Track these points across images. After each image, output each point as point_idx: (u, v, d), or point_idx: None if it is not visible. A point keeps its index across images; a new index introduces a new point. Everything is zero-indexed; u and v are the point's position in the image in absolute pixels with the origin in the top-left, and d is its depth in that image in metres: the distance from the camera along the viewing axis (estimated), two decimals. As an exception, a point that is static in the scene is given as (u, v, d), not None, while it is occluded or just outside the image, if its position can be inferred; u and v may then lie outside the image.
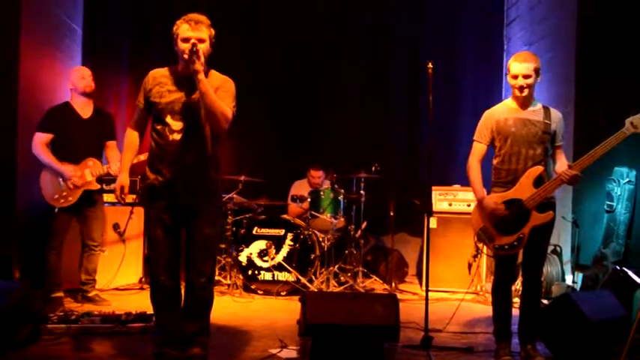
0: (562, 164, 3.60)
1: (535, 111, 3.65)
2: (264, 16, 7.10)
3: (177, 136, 3.22)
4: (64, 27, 6.04)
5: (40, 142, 4.77)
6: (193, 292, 3.32)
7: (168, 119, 3.23)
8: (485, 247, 3.73)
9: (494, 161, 3.70)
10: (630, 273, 4.20)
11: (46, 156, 4.75)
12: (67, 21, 6.09)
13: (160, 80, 3.29)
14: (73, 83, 4.94)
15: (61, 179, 4.77)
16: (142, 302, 4.70)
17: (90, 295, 4.94)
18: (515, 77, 3.58)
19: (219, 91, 3.24)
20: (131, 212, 5.63)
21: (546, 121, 3.60)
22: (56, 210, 4.77)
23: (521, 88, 3.57)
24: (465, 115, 7.06)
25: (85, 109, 4.93)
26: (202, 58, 3.10)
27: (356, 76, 7.17)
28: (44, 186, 4.78)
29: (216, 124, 3.17)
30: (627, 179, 4.76)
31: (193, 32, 3.18)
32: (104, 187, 5.16)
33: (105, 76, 6.41)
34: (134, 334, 3.94)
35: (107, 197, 5.45)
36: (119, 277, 5.58)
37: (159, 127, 3.26)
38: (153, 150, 3.31)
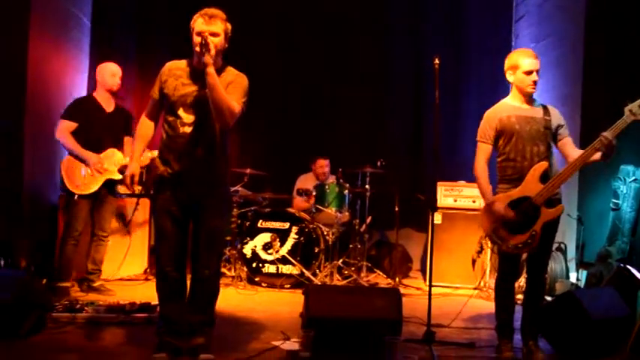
0: (577, 152, 3.54)
1: (535, 108, 3.64)
2: (268, 10, 7.09)
3: (187, 129, 3.24)
4: (72, 19, 6.06)
5: (66, 129, 4.82)
6: (199, 284, 3.35)
7: (181, 112, 3.24)
8: (491, 244, 3.70)
9: (499, 159, 3.67)
10: (634, 271, 4.20)
11: (70, 143, 4.81)
12: (76, 13, 6.11)
13: (175, 72, 3.30)
14: (102, 78, 4.99)
15: (84, 167, 4.82)
16: (146, 293, 4.74)
17: (95, 284, 4.98)
18: (530, 73, 3.57)
19: (231, 86, 3.25)
20: (137, 203, 5.67)
21: (546, 117, 3.59)
22: (76, 197, 4.80)
23: (534, 84, 3.57)
24: (470, 111, 7.04)
25: (108, 103, 5.00)
26: (213, 51, 3.11)
27: (362, 72, 7.17)
28: (67, 173, 4.81)
29: (222, 118, 3.18)
30: (633, 177, 4.75)
31: (207, 26, 3.19)
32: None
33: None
34: (138, 324, 3.97)
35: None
36: (124, 268, 5.62)
37: (171, 119, 3.28)
38: (163, 141, 3.33)
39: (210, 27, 3.20)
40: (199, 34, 3.18)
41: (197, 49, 3.13)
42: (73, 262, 4.90)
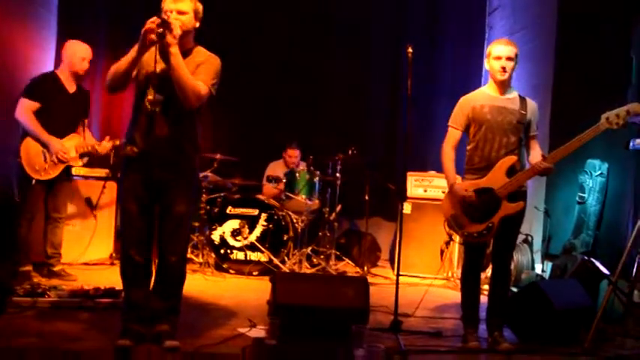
0: (536, 154, 3.62)
1: (511, 99, 3.66)
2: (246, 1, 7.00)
3: (156, 108, 3.17)
4: (38, -4, 5.90)
5: (27, 109, 4.59)
6: (165, 269, 3.29)
7: (150, 91, 3.17)
8: (454, 233, 3.75)
9: (468, 147, 3.71)
10: (597, 264, 4.28)
11: (33, 125, 4.58)
12: (42, -11, 5.95)
13: (150, 49, 3.20)
14: (69, 58, 4.77)
15: (45, 151, 4.64)
16: (112, 278, 4.63)
17: (55, 269, 4.85)
18: (499, 58, 3.58)
19: (201, 67, 3.20)
20: (103, 187, 5.57)
21: (522, 111, 3.61)
22: (33, 182, 4.62)
23: (503, 69, 3.58)
24: (444, 102, 7.04)
25: (70, 83, 4.81)
26: (177, 30, 3.04)
27: (336, 59, 7.13)
28: (26, 155, 4.60)
29: (186, 100, 3.11)
30: (599, 172, 4.82)
31: (174, 4, 3.15)
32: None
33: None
34: (102, 310, 3.89)
35: (78, 171, 5.37)
36: (89, 252, 5.52)
37: (141, 97, 3.20)
38: (131, 120, 3.27)
39: (178, 5, 3.15)
40: (166, 12, 3.12)
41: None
42: (28, 245, 4.75)
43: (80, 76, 4.85)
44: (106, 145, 4.86)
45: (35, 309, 3.79)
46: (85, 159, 4.98)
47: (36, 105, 4.62)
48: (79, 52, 4.78)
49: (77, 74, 4.80)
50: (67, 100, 4.77)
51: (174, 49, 3.03)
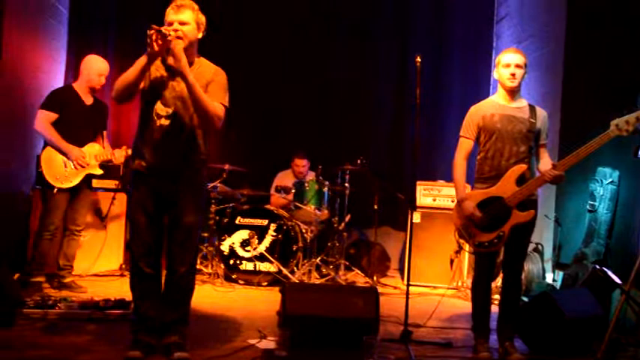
0: (546, 163, 3.61)
1: (521, 108, 3.65)
2: (254, 7, 7.03)
3: (164, 122, 3.18)
4: (49, 8, 5.95)
5: (46, 120, 4.70)
6: (174, 280, 3.30)
7: (158, 104, 3.19)
8: (465, 242, 3.74)
9: (479, 156, 3.70)
10: (609, 273, 4.24)
11: (51, 134, 4.68)
12: (53, 2, 6.00)
13: (156, 62, 3.23)
14: (87, 73, 4.86)
15: (65, 159, 4.71)
16: (121, 289, 4.66)
17: (66, 281, 4.87)
18: (508, 66, 3.59)
19: (211, 86, 3.22)
20: (113, 198, 5.59)
21: (532, 120, 3.60)
22: (55, 190, 4.69)
23: (513, 76, 3.57)
24: (452, 111, 7.05)
25: (87, 96, 4.91)
26: (179, 47, 3.06)
27: (343, 69, 7.13)
28: (46, 165, 4.69)
29: (210, 124, 3.18)
30: (610, 180, 4.78)
31: (176, 15, 3.17)
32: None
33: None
34: (112, 321, 3.90)
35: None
36: (99, 263, 5.54)
37: (147, 110, 3.21)
38: (139, 133, 3.27)
39: (179, 15, 3.17)
40: (170, 24, 3.15)
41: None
42: (47, 256, 4.80)
43: (96, 91, 4.94)
44: (121, 154, 4.93)
45: (45, 321, 3.81)
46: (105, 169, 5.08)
47: (54, 116, 4.72)
48: (96, 68, 4.87)
49: (94, 89, 4.90)
50: (84, 112, 4.86)
51: (191, 79, 3.05)
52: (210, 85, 3.22)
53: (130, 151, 4.83)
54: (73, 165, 4.72)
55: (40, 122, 4.70)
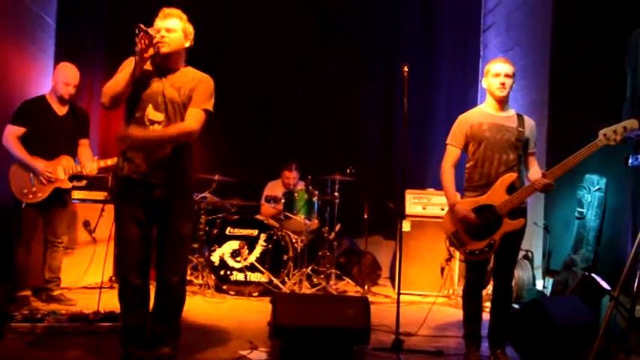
0: (535, 172, 3.63)
1: (509, 117, 3.68)
2: (243, 17, 7.05)
3: (157, 128, 3.17)
4: (37, 20, 5.94)
5: (12, 134, 4.64)
6: (166, 291, 3.28)
7: (149, 109, 3.18)
8: (456, 250, 3.75)
9: (467, 165, 3.72)
10: (598, 279, 4.26)
11: (17, 149, 4.63)
12: (40, 14, 5.99)
13: (145, 66, 3.22)
14: (55, 82, 4.78)
15: (32, 174, 4.65)
16: (111, 301, 4.59)
17: (54, 293, 4.82)
18: (498, 75, 3.62)
19: (195, 92, 3.22)
20: (102, 210, 5.55)
21: (520, 129, 3.63)
22: (23, 205, 4.65)
23: (502, 85, 3.61)
24: (440, 120, 7.11)
25: (59, 106, 4.81)
26: (164, 48, 3.12)
27: (333, 80, 7.17)
28: (13, 180, 4.64)
29: (183, 143, 3.22)
30: (597, 187, 4.82)
31: (162, 22, 3.20)
32: (74, 183, 5.10)
33: (78, 70, 6.28)
34: (102, 334, 3.87)
35: (77, 194, 5.39)
36: (89, 276, 5.49)
37: (138, 115, 3.19)
38: None
39: (165, 22, 3.20)
40: (157, 30, 3.15)
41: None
42: (27, 270, 4.72)
43: (65, 100, 4.81)
44: (92, 166, 4.81)
45: (34, 335, 3.77)
46: (80, 181, 4.99)
47: (21, 130, 4.66)
48: (63, 77, 4.77)
49: (62, 98, 4.79)
50: (55, 123, 4.77)
51: (150, 135, 3.14)
52: (194, 91, 3.23)
53: (102, 163, 4.82)
54: (40, 179, 4.65)
55: (6, 137, 4.64)
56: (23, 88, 5.59)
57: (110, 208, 5.61)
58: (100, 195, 5.67)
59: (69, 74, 4.80)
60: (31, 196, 4.65)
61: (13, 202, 4.73)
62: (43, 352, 3.48)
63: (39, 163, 4.65)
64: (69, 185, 4.78)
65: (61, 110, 4.82)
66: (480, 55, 7.37)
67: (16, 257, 4.67)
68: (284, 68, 7.07)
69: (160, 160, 3.18)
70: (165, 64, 3.24)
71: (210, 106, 3.26)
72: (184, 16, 3.27)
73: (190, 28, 3.28)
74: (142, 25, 3.05)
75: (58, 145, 4.76)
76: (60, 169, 4.72)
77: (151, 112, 3.18)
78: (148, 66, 3.22)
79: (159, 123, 3.17)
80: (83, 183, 5.56)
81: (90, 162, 4.81)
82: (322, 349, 3.43)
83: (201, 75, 3.31)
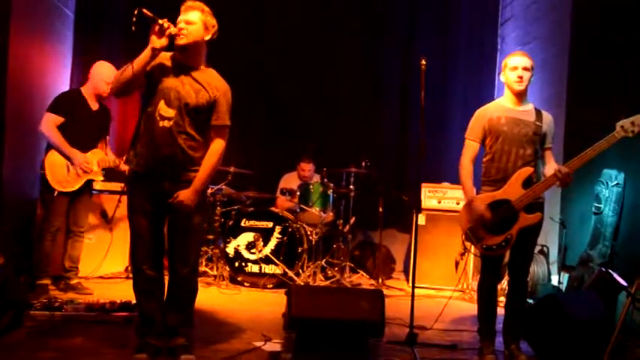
0: (551, 167, 3.60)
1: (527, 111, 3.65)
2: (257, 10, 7.05)
3: (166, 124, 3.17)
4: (55, 11, 5.97)
5: (52, 122, 4.71)
6: (177, 282, 3.30)
7: (161, 104, 3.18)
8: (472, 246, 3.73)
9: (485, 159, 3.70)
10: (615, 275, 4.22)
11: (56, 138, 4.70)
12: (59, 5, 6.02)
13: (163, 61, 3.23)
14: (96, 80, 4.87)
15: (68, 164, 4.73)
16: (127, 291, 4.63)
17: (72, 282, 4.90)
18: (515, 69, 3.59)
19: (220, 106, 3.26)
20: (119, 201, 5.60)
21: (537, 123, 3.60)
22: (55, 193, 4.72)
23: (520, 79, 3.57)
24: (456, 113, 7.07)
25: (93, 101, 4.93)
26: (183, 41, 3.12)
27: (349, 72, 7.16)
28: (50, 168, 4.71)
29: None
30: (615, 182, 4.77)
31: (183, 15, 3.20)
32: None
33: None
34: (118, 324, 3.92)
35: (94, 185, 5.45)
36: (105, 266, 5.55)
37: (150, 109, 3.20)
38: (140, 134, 3.24)
39: (186, 15, 3.19)
40: (178, 23, 3.16)
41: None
42: (50, 258, 4.82)
43: (103, 97, 4.95)
44: (109, 161, 4.94)
45: (52, 323, 3.82)
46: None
47: (60, 119, 4.74)
48: (105, 77, 4.85)
49: (101, 96, 4.92)
50: (90, 117, 4.88)
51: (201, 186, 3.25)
52: (218, 104, 3.26)
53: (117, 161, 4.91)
54: (76, 170, 4.74)
55: (46, 125, 4.71)
56: (42, 79, 5.64)
57: (126, 199, 5.68)
58: (117, 186, 5.73)
59: (110, 73, 4.83)
60: (65, 184, 4.73)
61: (38, 191, 4.80)
62: (61, 341, 3.52)
63: (77, 154, 4.74)
64: (101, 178, 4.89)
65: (95, 105, 4.93)
66: (498, 49, 7.31)
67: (43, 245, 4.75)
68: (300, 60, 7.06)
69: (171, 154, 3.18)
70: (183, 59, 3.23)
71: (229, 120, 3.33)
72: (207, 9, 3.24)
73: (213, 21, 3.25)
74: (144, 10, 3.04)
75: (91, 138, 4.89)
76: (95, 162, 4.82)
77: (163, 108, 3.18)
78: (167, 62, 3.23)
79: (169, 119, 3.17)
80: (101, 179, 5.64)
81: (112, 156, 4.98)
82: (337, 341, 3.44)
83: (224, 85, 3.31)
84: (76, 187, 4.77)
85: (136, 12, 3.02)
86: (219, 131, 3.30)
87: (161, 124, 3.17)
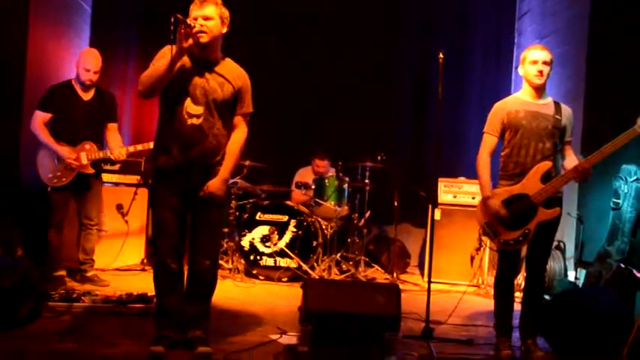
0: (571, 161, 3.57)
1: (546, 104, 3.62)
2: (272, 4, 7.04)
3: (195, 121, 3.19)
4: (73, 5, 6.02)
5: (39, 120, 4.73)
6: (198, 274, 3.33)
7: (188, 102, 3.19)
8: (489, 240, 3.71)
9: (503, 153, 3.66)
10: (634, 271, 4.19)
11: (43, 135, 4.71)
12: (77, 0, 6.07)
13: (184, 59, 3.23)
14: (78, 67, 4.82)
15: (56, 159, 4.74)
16: (143, 283, 4.71)
17: (88, 274, 4.93)
18: (535, 62, 3.56)
19: (245, 95, 3.33)
20: (135, 193, 5.65)
21: (557, 116, 3.57)
22: (49, 189, 4.76)
23: (540, 73, 3.54)
24: (473, 107, 7.03)
25: (85, 90, 4.85)
26: (205, 38, 3.14)
27: (364, 65, 7.12)
28: (40, 164, 4.75)
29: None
30: (635, 177, 4.73)
31: (199, 10, 3.19)
32: (108, 166, 5.21)
33: (112, 57, 6.36)
34: (134, 315, 3.94)
35: (110, 178, 5.50)
36: (121, 258, 5.59)
37: (177, 108, 3.20)
38: (167, 131, 3.25)
39: (203, 10, 3.18)
40: (195, 19, 3.15)
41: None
42: (60, 250, 4.85)
43: (88, 86, 4.83)
44: (121, 152, 4.85)
45: (70, 314, 3.86)
46: (114, 165, 5.09)
47: (47, 115, 4.74)
48: (83, 63, 4.79)
49: (84, 84, 4.82)
50: (81, 107, 4.82)
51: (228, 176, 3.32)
52: (242, 93, 3.32)
53: (131, 148, 4.89)
54: (64, 164, 4.72)
55: (33, 123, 4.73)
56: (59, 73, 5.67)
57: (143, 192, 5.72)
58: (133, 179, 5.76)
59: (89, 60, 4.81)
60: (55, 180, 4.75)
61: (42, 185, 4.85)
62: (79, 332, 3.55)
63: (63, 149, 4.72)
64: (91, 171, 4.82)
65: (86, 95, 4.86)
66: (514, 43, 7.25)
67: (49, 239, 4.80)
68: (316, 54, 7.04)
69: (198, 150, 3.21)
70: (203, 55, 3.24)
71: (252, 106, 3.39)
72: (219, 1, 3.25)
73: (226, 13, 3.27)
74: (179, 15, 3.03)
75: (82, 130, 4.81)
76: (83, 155, 4.78)
77: (190, 106, 3.19)
78: (186, 58, 3.23)
79: (197, 117, 3.19)
80: (117, 167, 5.66)
81: (118, 147, 4.87)
82: (352, 335, 3.44)
83: (243, 74, 3.36)
84: (67, 181, 4.74)
85: (172, 19, 2.99)
86: (245, 118, 3.38)
87: (189, 121, 3.19)
